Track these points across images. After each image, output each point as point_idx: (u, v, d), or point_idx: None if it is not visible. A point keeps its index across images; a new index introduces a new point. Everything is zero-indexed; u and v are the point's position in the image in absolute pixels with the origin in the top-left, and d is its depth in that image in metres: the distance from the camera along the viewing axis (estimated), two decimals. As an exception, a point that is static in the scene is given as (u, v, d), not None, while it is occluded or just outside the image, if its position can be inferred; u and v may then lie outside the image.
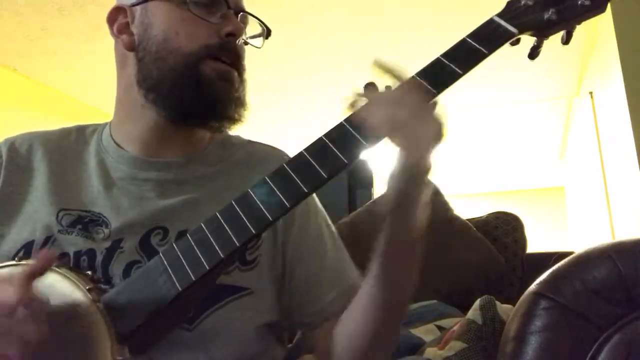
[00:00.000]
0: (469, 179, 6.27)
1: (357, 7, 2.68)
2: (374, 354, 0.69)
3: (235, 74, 0.75)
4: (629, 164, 2.22)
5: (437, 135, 0.57)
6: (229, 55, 0.73)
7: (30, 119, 3.32)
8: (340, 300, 0.73)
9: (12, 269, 0.57)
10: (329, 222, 0.82)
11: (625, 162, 2.32)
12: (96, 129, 0.83)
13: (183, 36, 0.71)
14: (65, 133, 0.82)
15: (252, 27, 0.81)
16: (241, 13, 0.77)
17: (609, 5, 0.62)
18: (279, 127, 4.43)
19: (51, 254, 0.55)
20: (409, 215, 0.59)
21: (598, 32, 2.64)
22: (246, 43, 0.79)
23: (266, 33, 0.81)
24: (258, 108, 3.55)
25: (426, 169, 0.57)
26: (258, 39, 0.81)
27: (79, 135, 0.82)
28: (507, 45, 0.65)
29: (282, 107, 4.04)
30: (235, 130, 0.79)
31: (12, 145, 0.78)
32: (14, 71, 3.26)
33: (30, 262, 0.59)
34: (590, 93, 3.15)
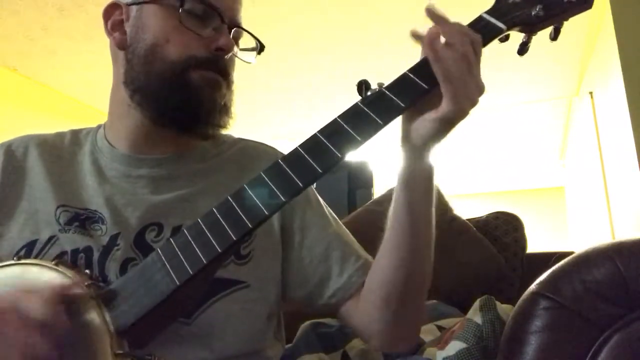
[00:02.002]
0: (469, 179, 6.27)
1: (357, 6, 2.68)
2: (409, 298, 0.71)
3: (223, 81, 0.75)
4: (629, 164, 2.22)
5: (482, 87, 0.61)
6: (217, 69, 0.74)
7: (30, 119, 3.32)
8: (359, 274, 0.76)
9: (39, 272, 0.58)
10: (329, 209, 0.85)
11: (625, 162, 2.32)
12: (90, 131, 0.84)
13: (173, 44, 0.72)
14: (60, 136, 0.83)
15: (247, 38, 0.80)
16: (235, 28, 0.76)
17: (609, 5, 0.63)
18: (278, 125, 4.44)
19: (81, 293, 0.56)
20: (429, 155, 0.65)
21: (598, 32, 2.64)
22: (239, 57, 0.79)
23: (259, 48, 0.81)
24: (258, 107, 3.54)
25: (464, 118, 0.61)
26: (251, 53, 0.81)
27: (73, 138, 0.83)
28: (503, 45, 0.67)
29: (281, 106, 4.04)
30: (232, 128, 0.79)
31: (8, 148, 0.79)
32: (14, 71, 3.26)
33: (37, 260, 0.61)
34: (590, 93, 3.15)
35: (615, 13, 2.16)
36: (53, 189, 0.75)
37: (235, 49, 0.77)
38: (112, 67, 0.79)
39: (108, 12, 0.77)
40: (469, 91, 0.60)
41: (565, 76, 3.54)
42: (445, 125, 0.61)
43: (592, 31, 2.74)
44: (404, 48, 3.03)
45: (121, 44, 0.75)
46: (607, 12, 2.22)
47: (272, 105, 3.98)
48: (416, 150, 0.64)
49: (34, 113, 3.41)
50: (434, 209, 0.69)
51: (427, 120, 0.62)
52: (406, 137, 0.65)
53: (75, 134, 0.84)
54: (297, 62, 3.29)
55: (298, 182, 0.58)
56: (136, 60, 0.73)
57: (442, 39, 0.61)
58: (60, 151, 0.80)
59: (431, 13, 0.62)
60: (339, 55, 3.21)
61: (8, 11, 2.61)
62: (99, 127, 0.83)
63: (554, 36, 0.67)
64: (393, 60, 3.13)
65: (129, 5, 0.76)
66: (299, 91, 3.76)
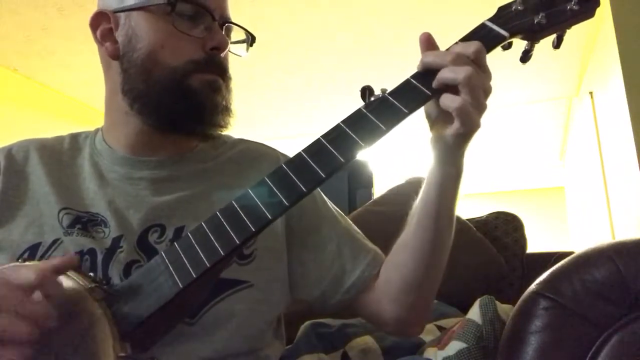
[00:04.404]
0: (469, 179, 6.27)
1: (357, 7, 2.68)
2: (426, 288, 0.74)
3: (222, 82, 0.75)
4: (629, 164, 2.22)
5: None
6: (215, 69, 0.74)
7: (30, 119, 3.32)
8: (371, 268, 0.78)
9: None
10: (333, 205, 0.86)
11: (625, 162, 2.32)
12: (88, 135, 0.84)
13: (168, 50, 0.71)
14: (59, 140, 0.83)
15: (238, 29, 0.80)
16: (226, 24, 0.77)
17: (609, 5, 0.64)
18: (278, 126, 4.43)
19: (75, 259, 0.57)
20: (461, 161, 0.68)
21: (598, 32, 2.64)
22: (231, 51, 0.80)
23: (250, 40, 0.81)
24: (258, 108, 3.52)
25: (478, 128, 0.63)
26: (242, 45, 0.81)
27: (72, 142, 0.83)
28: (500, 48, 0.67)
29: (282, 107, 4.04)
30: (230, 130, 0.79)
31: (9, 152, 0.79)
32: (14, 71, 3.26)
33: (35, 262, 0.60)
34: (590, 93, 3.15)
35: (615, 13, 2.16)
36: (55, 192, 0.75)
37: (228, 45, 0.77)
38: (104, 76, 0.79)
39: (95, 22, 0.76)
40: (477, 103, 0.61)
41: (565, 76, 3.54)
42: (464, 137, 0.64)
43: (592, 31, 2.74)
44: (406, 49, 3.03)
45: (114, 54, 0.75)
46: (607, 12, 2.22)
47: (273, 106, 3.98)
48: (444, 155, 0.67)
49: (34, 113, 3.41)
50: (457, 206, 0.72)
51: (447, 134, 0.64)
52: (434, 142, 0.67)
53: (74, 137, 0.84)
54: (298, 62, 3.29)
55: (302, 186, 0.58)
56: (133, 70, 0.73)
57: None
58: (60, 155, 0.80)
59: (425, 41, 0.65)
60: (340, 56, 3.21)
61: (8, 11, 2.61)
62: (97, 130, 0.83)
63: (557, 44, 0.68)
64: (394, 61, 3.13)
65: (115, 12, 0.75)
66: (301, 92, 3.76)
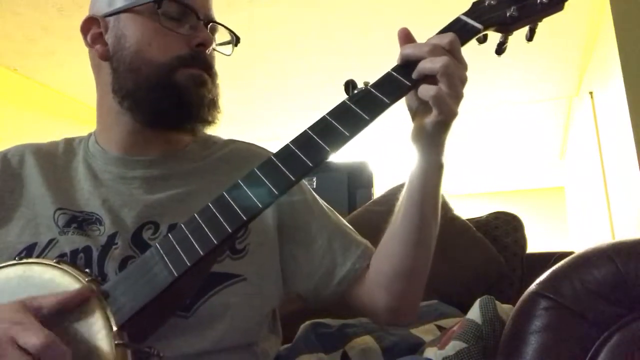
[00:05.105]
0: (469, 179, 6.27)
1: (357, 7, 2.68)
2: (413, 278, 0.76)
3: (207, 76, 0.77)
4: (629, 164, 2.22)
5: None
6: (200, 65, 0.77)
7: (30, 119, 3.32)
8: (361, 260, 0.80)
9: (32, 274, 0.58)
10: (324, 202, 0.88)
11: (625, 162, 2.32)
12: (82, 139, 0.86)
13: (155, 47, 0.75)
14: (54, 144, 0.86)
15: (223, 33, 0.83)
16: (210, 24, 0.79)
17: (608, 5, 0.65)
18: (278, 126, 4.44)
19: (88, 294, 0.57)
20: (441, 150, 0.70)
21: (598, 32, 2.64)
22: (217, 50, 0.82)
23: (235, 41, 0.84)
24: (258, 108, 3.51)
25: (456, 116, 0.65)
26: (228, 46, 0.84)
27: (66, 146, 0.85)
28: (508, 47, 0.70)
29: (282, 107, 4.04)
30: (232, 129, 0.80)
31: (4, 157, 0.81)
32: (14, 71, 3.26)
33: (39, 260, 0.62)
34: (590, 93, 3.15)
35: (615, 13, 2.16)
36: (50, 194, 0.77)
37: (213, 42, 0.80)
38: (95, 80, 0.82)
39: (86, 27, 0.81)
40: (454, 92, 0.63)
41: (565, 76, 3.54)
42: (442, 125, 0.66)
43: (592, 31, 2.74)
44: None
45: (104, 55, 0.78)
46: (607, 12, 2.22)
47: (273, 106, 3.98)
48: (425, 144, 0.69)
49: (34, 113, 3.41)
50: (440, 199, 0.73)
51: (427, 123, 0.66)
52: (416, 132, 0.69)
53: (69, 142, 0.86)
54: (297, 63, 3.29)
55: (290, 176, 0.60)
56: (122, 68, 0.76)
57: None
58: (54, 159, 0.82)
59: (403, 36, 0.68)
60: (340, 56, 3.21)
61: (8, 11, 2.61)
62: (89, 135, 0.86)
63: (530, 37, 0.71)
64: (393, 61, 3.14)
65: (105, 17, 0.78)
66: (300, 92, 3.76)
